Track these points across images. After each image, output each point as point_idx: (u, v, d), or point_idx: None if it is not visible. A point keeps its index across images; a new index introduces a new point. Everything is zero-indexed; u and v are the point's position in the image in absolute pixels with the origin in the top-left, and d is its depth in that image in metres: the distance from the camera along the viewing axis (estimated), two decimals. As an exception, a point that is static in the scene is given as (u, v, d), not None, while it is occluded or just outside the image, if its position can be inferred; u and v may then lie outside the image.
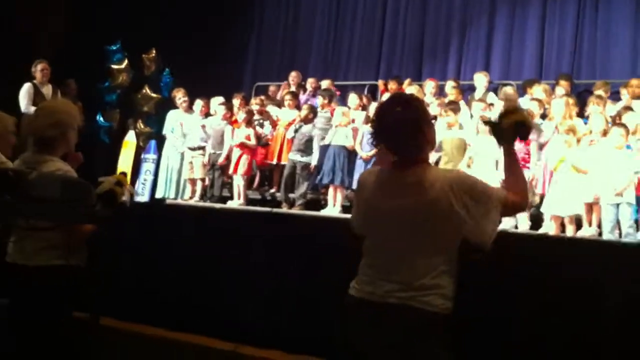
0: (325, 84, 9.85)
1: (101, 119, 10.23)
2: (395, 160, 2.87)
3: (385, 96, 8.88)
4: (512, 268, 4.05)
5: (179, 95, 9.24)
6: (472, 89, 9.17)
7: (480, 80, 8.93)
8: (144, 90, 10.46)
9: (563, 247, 4.33)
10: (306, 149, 8.23)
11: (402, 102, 2.88)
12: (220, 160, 8.50)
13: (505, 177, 2.97)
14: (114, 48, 10.47)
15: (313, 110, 8.54)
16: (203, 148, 8.75)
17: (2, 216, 2.94)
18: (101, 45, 10.28)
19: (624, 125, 6.41)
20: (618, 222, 6.10)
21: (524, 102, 7.93)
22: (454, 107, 7.61)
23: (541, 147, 6.99)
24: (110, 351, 4.61)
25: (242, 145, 8.35)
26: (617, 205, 6.09)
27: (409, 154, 2.81)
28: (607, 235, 6.06)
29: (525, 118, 2.98)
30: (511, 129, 2.89)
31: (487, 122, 3.15)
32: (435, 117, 7.18)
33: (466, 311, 2.88)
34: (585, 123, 7.10)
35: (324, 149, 8.12)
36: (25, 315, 3.44)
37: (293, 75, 10.33)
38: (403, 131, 2.79)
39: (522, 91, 8.68)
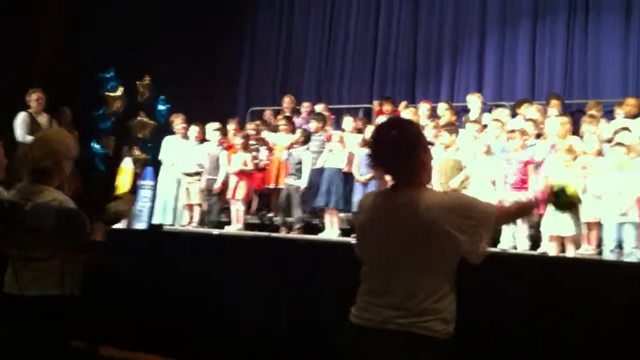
0: (319, 108, 9.88)
1: (96, 146, 10.21)
2: (392, 183, 2.87)
3: (380, 118, 8.91)
4: (512, 287, 4.03)
5: (177, 121, 9.22)
6: (466, 110, 9.21)
7: (474, 101, 8.97)
8: (140, 117, 10.46)
9: (564, 267, 4.31)
10: (297, 172, 8.24)
11: (397, 125, 2.88)
12: (217, 186, 8.50)
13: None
14: (108, 75, 10.48)
15: (306, 135, 8.56)
16: (199, 174, 8.74)
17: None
18: (95, 72, 10.30)
19: (624, 144, 6.40)
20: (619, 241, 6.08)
21: (517, 123, 7.97)
22: (450, 128, 7.63)
23: (536, 166, 6.99)
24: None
25: (240, 173, 8.35)
26: (620, 224, 6.07)
27: (403, 177, 2.80)
28: (608, 255, 6.03)
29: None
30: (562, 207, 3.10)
31: (558, 193, 3.18)
32: (431, 143, 7.20)
33: (466, 332, 2.86)
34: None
35: (319, 172, 8.12)
36: (22, 346, 3.41)
37: (286, 101, 10.37)
38: (398, 154, 2.78)
39: (513, 112, 8.73)
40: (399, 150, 2.78)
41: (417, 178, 2.82)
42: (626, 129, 7.04)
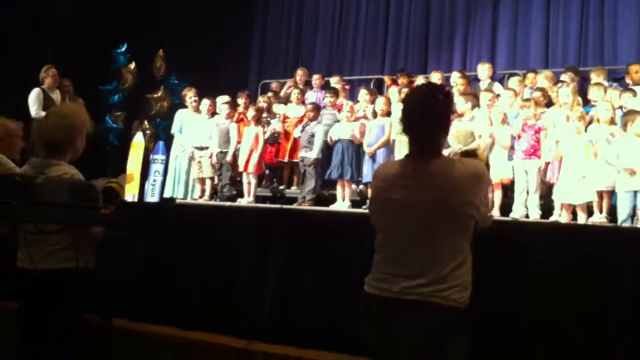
0: (334, 80, 9.83)
1: (110, 121, 10.26)
2: (411, 150, 2.89)
3: (393, 89, 8.85)
4: (526, 254, 4.03)
5: (190, 95, 9.22)
6: (478, 79, 9.14)
7: (483, 71, 8.95)
8: (159, 93, 10.48)
9: (575, 234, 4.29)
10: (310, 144, 8.23)
11: (442, 92, 2.88)
12: (228, 157, 8.51)
13: None
14: (121, 50, 10.49)
15: (317, 109, 8.54)
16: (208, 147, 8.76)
17: (10, 221, 2.95)
18: (102, 47, 10.28)
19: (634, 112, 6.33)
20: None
21: (528, 93, 7.93)
22: (468, 97, 7.57)
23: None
24: (123, 352, 4.62)
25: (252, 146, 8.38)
26: (635, 192, 6.03)
27: (431, 144, 2.82)
28: (623, 223, 5.99)
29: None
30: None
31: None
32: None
33: (480, 300, 2.88)
34: (588, 112, 7.05)
35: (333, 144, 8.12)
36: (35, 319, 3.46)
37: (300, 73, 10.31)
38: (440, 122, 2.83)
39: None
40: (442, 118, 2.82)
41: (440, 147, 2.85)
42: (631, 90, 7.01)
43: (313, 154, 8.15)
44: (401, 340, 2.69)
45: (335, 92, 8.94)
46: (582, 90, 7.77)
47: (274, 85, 10.63)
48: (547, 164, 6.83)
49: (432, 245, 2.69)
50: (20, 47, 9.22)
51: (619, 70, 8.53)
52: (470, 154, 3.29)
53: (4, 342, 3.78)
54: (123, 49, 10.49)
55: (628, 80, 7.78)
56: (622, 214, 6.04)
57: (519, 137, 6.92)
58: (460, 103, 7.42)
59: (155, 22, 10.67)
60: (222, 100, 9.02)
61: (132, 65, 10.50)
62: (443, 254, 2.68)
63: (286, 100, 9.53)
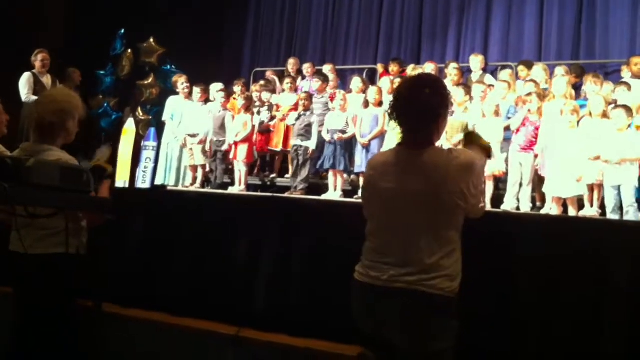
0: (327, 68, 9.81)
1: (110, 109, 10.23)
2: (402, 141, 2.89)
3: (385, 80, 8.84)
4: (516, 246, 4.04)
5: (181, 81, 9.17)
6: (471, 71, 9.14)
7: (476, 63, 8.95)
8: (150, 79, 10.43)
9: (567, 226, 4.30)
10: (306, 133, 8.19)
11: (430, 84, 2.88)
12: (225, 147, 8.48)
13: None
14: (118, 36, 10.44)
15: (310, 98, 8.52)
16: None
17: (1, 203, 2.93)
18: (105, 32, 10.23)
19: (626, 107, 6.35)
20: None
21: (520, 85, 7.92)
22: (466, 89, 7.57)
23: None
24: (114, 338, 4.61)
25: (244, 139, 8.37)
26: (619, 186, 6.05)
27: (420, 137, 2.82)
28: (610, 216, 6.02)
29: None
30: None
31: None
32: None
33: (469, 293, 2.88)
34: (581, 105, 7.04)
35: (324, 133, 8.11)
36: (28, 304, 3.45)
37: (291, 62, 10.28)
38: (426, 114, 2.80)
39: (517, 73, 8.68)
40: (428, 111, 2.80)
41: (432, 139, 2.85)
42: (625, 83, 6.98)
43: (311, 144, 8.10)
44: (391, 326, 2.72)
45: (325, 79, 8.93)
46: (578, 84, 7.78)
47: (269, 73, 10.59)
48: (536, 156, 6.84)
49: (419, 234, 2.71)
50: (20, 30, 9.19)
51: (611, 65, 8.53)
52: (475, 136, 3.29)
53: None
54: (119, 35, 10.44)
55: (627, 73, 7.77)
56: (609, 207, 6.07)
57: (518, 130, 6.90)
58: (459, 94, 7.39)
59: (149, 8, 10.63)
60: (217, 87, 8.99)
61: (128, 52, 10.47)
62: (430, 244, 2.70)
63: (275, 90, 9.52)
